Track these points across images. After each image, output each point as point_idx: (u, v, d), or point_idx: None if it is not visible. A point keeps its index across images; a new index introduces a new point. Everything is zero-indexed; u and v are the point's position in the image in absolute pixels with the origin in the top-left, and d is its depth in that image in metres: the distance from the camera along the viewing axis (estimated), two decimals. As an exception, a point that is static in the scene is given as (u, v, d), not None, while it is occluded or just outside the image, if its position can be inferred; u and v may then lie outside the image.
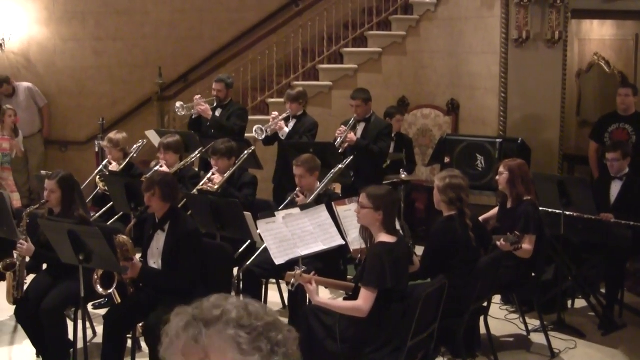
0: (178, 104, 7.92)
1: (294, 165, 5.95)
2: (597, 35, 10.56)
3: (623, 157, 6.36)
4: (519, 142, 7.84)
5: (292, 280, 4.57)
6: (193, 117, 7.81)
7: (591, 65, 10.55)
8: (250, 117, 8.40)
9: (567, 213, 6.06)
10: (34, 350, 5.41)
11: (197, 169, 7.49)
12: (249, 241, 5.84)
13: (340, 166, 6.27)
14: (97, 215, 6.64)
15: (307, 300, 5.32)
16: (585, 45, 10.59)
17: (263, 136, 7.37)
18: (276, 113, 7.65)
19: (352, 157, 6.68)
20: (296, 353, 1.46)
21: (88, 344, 5.14)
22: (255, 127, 7.34)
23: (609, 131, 7.49)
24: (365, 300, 4.25)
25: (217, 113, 7.80)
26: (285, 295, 6.29)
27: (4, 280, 5.40)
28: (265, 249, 5.18)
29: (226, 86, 7.88)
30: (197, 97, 7.85)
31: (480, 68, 8.67)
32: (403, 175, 7.60)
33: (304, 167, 5.88)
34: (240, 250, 5.91)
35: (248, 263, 5.79)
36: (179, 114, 8.05)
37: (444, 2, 9.36)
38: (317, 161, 5.99)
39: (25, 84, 9.79)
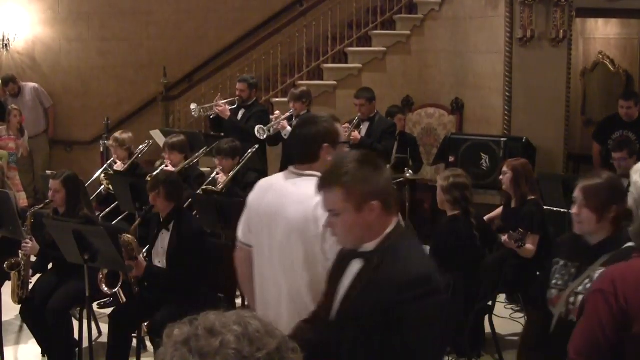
0: (193, 105, 7.89)
1: (298, 165, 5.95)
2: (602, 34, 10.54)
3: (629, 156, 6.36)
4: (524, 141, 7.84)
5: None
6: (211, 117, 7.79)
7: (596, 64, 10.53)
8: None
9: (572, 212, 6.04)
10: (39, 350, 5.43)
11: (205, 169, 7.49)
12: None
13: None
14: (102, 214, 6.65)
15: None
16: (590, 44, 10.57)
17: (265, 136, 7.35)
18: (278, 112, 7.65)
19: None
20: None
21: (93, 343, 5.15)
22: (257, 127, 7.31)
23: (613, 138, 7.50)
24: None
25: (240, 113, 7.76)
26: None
27: (9, 279, 5.42)
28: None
29: (249, 86, 7.81)
30: (218, 97, 7.85)
31: (484, 67, 8.66)
32: (408, 175, 7.60)
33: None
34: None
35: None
36: (194, 115, 8.02)
37: (448, 2, 9.35)
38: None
39: (31, 85, 9.82)
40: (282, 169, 7.57)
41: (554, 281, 3.39)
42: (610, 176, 3.33)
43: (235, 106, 7.76)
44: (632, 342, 2.23)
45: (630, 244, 3.08)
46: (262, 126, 7.36)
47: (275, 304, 3.08)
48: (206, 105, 7.81)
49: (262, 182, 3.27)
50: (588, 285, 3.17)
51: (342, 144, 3.16)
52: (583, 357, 2.30)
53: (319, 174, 2.93)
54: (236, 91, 7.91)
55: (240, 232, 3.27)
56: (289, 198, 3.04)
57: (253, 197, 3.22)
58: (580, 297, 3.20)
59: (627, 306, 2.25)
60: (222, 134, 7.58)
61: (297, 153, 3.17)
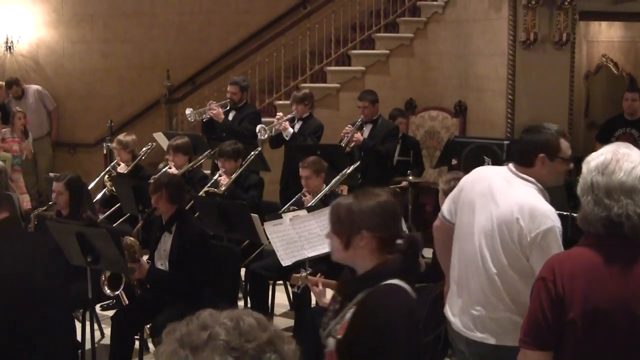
0: (188, 110, 7.92)
1: (301, 167, 5.97)
2: (605, 37, 10.54)
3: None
4: (527, 143, 7.82)
5: (299, 283, 4.57)
6: (204, 120, 7.82)
7: (599, 67, 10.53)
8: (258, 120, 8.40)
9: (575, 215, 6.03)
10: (42, 351, 5.42)
11: (205, 172, 7.50)
12: (261, 247, 5.86)
13: (347, 170, 6.28)
14: (104, 216, 6.66)
15: (313, 302, 5.33)
16: (593, 47, 10.57)
17: (266, 135, 7.38)
18: (281, 114, 7.67)
19: (359, 162, 6.70)
20: None
21: (96, 345, 5.16)
22: (258, 127, 7.35)
23: (615, 136, 7.49)
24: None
25: (231, 116, 7.79)
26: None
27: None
28: (273, 251, 5.20)
29: (241, 89, 7.86)
30: (211, 101, 7.87)
31: (487, 70, 8.66)
32: (410, 177, 7.59)
33: (310, 168, 5.90)
34: (251, 257, 5.93)
35: (254, 264, 5.81)
36: (190, 120, 8.05)
37: (451, 4, 9.35)
38: (324, 163, 6.01)
39: (35, 87, 9.83)
40: (285, 170, 7.62)
41: (323, 318, 2.80)
42: (374, 198, 2.69)
43: (227, 108, 7.80)
44: (569, 327, 2.37)
45: (393, 280, 2.62)
46: (263, 126, 7.38)
47: (471, 276, 3.44)
48: (200, 110, 7.85)
49: (479, 170, 3.62)
50: (338, 327, 2.64)
51: (562, 159, 3.40)
52: (529, 338, 2.44)
53: (532, 179, 3.35)
54: (227, 94, 7.95)
55: (446, 209, 3.60)
56: (500, 191, 3.37)
57: (466, 181, 3.55)
58: (330, 340, 2.66)
59: (564, 293, 2.38)
60: (214, 137, 7.60)
61: (517, 155, 3.50)
